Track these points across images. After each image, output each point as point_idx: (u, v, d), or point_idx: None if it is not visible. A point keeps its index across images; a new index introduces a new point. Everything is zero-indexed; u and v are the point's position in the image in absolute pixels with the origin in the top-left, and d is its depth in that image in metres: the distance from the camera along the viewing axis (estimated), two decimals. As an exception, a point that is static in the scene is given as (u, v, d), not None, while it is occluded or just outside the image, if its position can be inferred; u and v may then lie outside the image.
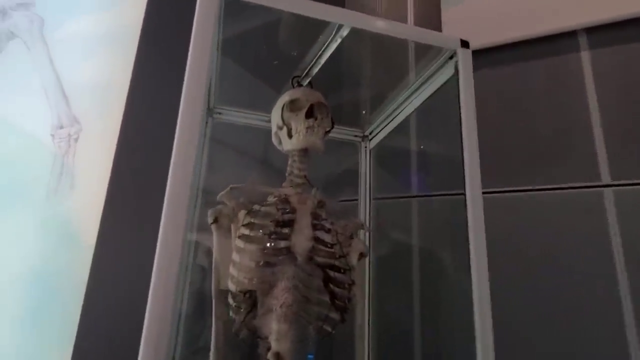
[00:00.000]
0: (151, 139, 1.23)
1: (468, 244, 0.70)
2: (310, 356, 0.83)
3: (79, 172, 1.20)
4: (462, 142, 0.77)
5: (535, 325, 1.02)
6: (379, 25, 0.75)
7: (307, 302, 0.79)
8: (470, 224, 0.71)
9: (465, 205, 0.73)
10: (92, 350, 1.08)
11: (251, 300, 0.69)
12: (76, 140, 1.22)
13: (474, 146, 0.76)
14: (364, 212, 1.15)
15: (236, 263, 0.71)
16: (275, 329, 0.76)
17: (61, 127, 1.22)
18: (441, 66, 0.85)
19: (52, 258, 1.14)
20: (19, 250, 1.12)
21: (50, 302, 1.11)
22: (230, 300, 0.71)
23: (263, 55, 1.06)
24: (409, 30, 0.87)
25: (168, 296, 0.55)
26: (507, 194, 1.14)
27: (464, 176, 0.75)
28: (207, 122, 1.09)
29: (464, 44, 0.79)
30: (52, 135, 1.21)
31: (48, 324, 1.10)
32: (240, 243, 0.72)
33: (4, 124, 1.21)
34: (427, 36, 0.80)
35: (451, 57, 0.82)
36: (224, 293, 0.70)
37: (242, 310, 0.69)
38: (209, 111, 1.09)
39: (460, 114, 0.76)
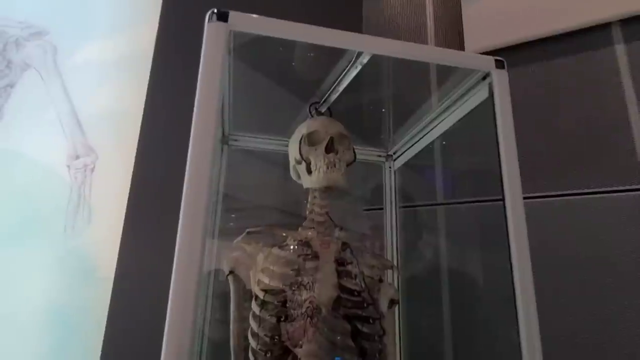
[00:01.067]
0: (167, 167, 1.20)
1: (509, 255, 0.63)
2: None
3: (96, 204, 1.18)
4: (499, 156, 0.70)
5: (581, 331, 0.94)
6: (403, 50, 0.69)
7: (334, 348, 0.74)
8: (512, 235, 0.64)
9: (506, 216, 0.66)
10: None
11: (273, 358, 0.63)
12: (92, 170, 1.20)
13: (514, 165, 0.70)
14: (390, 221, 1.10)
15: (255, 315, 0.65)
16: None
17: (77, 158, 1.20)
18: (473, 87, 0.77)
19: (70, 293, 1.12)
20: (38, 285, 1.11)
21: (71, 337, 1.09)
22: (251, 357, 0.65)
23: (279, 80, 1.01)
24: (436, 53, 0.79)
25: (183, 337, 0.51)
26: (538, 200, 1.06)
27: (502, 188, 0.68)
28: (222, 150, 1.04)
29: (499, 64, 0.71)
30: (68, 167, 1.20)
31: (70, 357, 1.08)
32: (259, 293, 0.67)
33: (19, 156, 1.20)
34: (457, 58, 0.73)
35: (484, 78, 0.74)
36: (243, 348, 0.65)
37: (264, 367, 0.64)
38: (224, 139, 1.04)
39: (497, 136, 0.68)
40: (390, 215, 1.12)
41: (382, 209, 1.15)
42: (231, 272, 0.66)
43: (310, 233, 0.71)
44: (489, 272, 1.03)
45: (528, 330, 0.63)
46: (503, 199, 0.70)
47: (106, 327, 1.08)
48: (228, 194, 1.06)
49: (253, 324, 0.66)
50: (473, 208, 1.17)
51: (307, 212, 0.75)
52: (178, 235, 0.57)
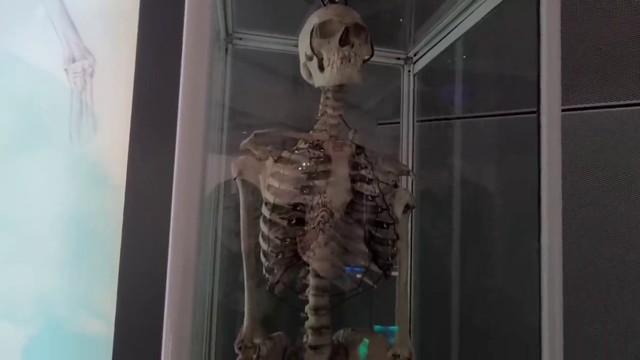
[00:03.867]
0: (170, 68, 1.12)
1: (539, 172, 0.59)
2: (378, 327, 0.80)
3: (99, 110, 1.13)
4: (539, 58, 0.63)
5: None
6: None
7: (346, 254, 0.73)
8: (544, 148, 0.60)
9: (539, 127, 0.61)
10: (136, 286, 1.10)
11: (285, 260, 0.63)
12: (91, 75, 1.13)
13: (556, 64, 0.62)
14: (407, 136, 1.04)
15: (266, 219, 0.64)
16: (312, 284, 0.71)
17: (74, 61, 1.13)
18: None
19: (85, 200, 1.13)
20: (51, 194, 1.11)
21: (90, 243, 1.12)
22: (263, 259, 0.65)
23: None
24: None
25: (190, 239, 0.51)
26: (578, 112, 0.98)
27: (538, 95, 0.62)
28: (226, 50, 0.96)
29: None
30: (66, 70, 1.13)
31: (91, 264, 1.12)
32: (269, 197, 0.65)
33: (13, 59, 1.13)
34: None
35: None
36: (254, 251, 0.64)
37: (275, 271, 0.64)
38: (228, 37, 0.95)
39: (539, 37, 0.59)
40: (407, 128, 1.06)
41: (398, 122, 1.08)
42: (239, 174, 0.63)
43: (322, 136, 0.67)
44: (512, 190, 0.99)
45: (550, 242, 0.60)
46: (538, 111, 0.63)
47: (122, 232, 1.10)
48: (234, 106, 1.00)
49: (264, 227, 0.64)
50: (496, 122, 1.09)
51: (319, 115, 0.70)
52: (177, 144, 0.53)
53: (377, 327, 0.85)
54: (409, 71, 1.06)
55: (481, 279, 1.16)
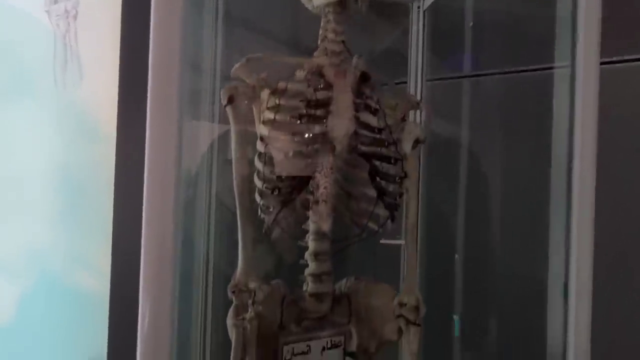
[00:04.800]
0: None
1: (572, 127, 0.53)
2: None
3: (85, 56, 1.06)
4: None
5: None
6: None
7: (349, 197, 0.67)
8: (579, 106, 0.53)
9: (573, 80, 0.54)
10: (131, 240, 1.06)
11: (281, 197, 0.57)
12: (75, 17, 1.05)
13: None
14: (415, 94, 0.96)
15: (261, 155, 0.58)
16: (312, 229, 0.66)
17: (56, 2, 1.05)
18: None
19: (75, 152, 1.07)
20: (38, 146, 1.06)
21: (81, 196, 1.07)
22: (258, 199, 0.59)
23: None
24: None
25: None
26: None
27: (573, 44, 0.55)
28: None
29: None
30: (47, 12, 1.05)
31: (83, 218, 1.08)
32: (264, 130, 0.58)
33: (-9, -1, 1.05)
34: None
35: None
36: (247, 187, 0.58)
37: (271, 209, 0.58)
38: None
39: None
40: (416, 86, 0.96)
41: (405, 82, 0.99)
42: (230, 102, 0.57)
43: (321, 61, 0.59)
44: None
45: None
46: (573, 63, 0.56)
47: (115, 185, 1.05)
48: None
49: (258, 164, 0.58)
50: (519, 78, 1.01)
51: (319, 41, 0.62)
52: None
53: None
54: (419, 7, 0.96)
55: (489, 239, 1.12)
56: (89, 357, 1.08)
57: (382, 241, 1.13)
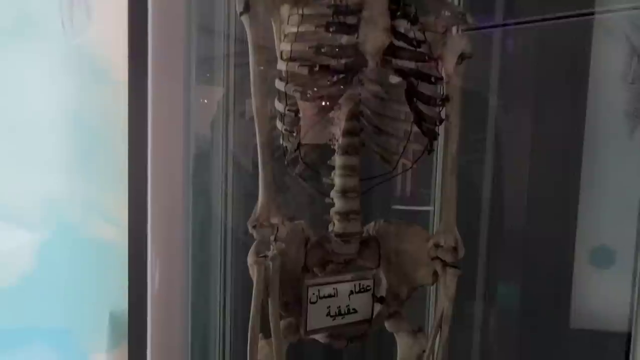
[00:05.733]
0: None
1: None
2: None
3: (93, -1, 0.99)
4: None
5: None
6: None
7: (379, 130, 0.61)
8: None
9: None
10: (147, 190, 1.02)
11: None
12: (80, -49, 0.98)
13: None
14: None
15: (282, 72, 0.51)
16: (338, 163, 0.60)
17: None
18: None
19: (86, 98, 1.03)
20: (48, 92, 1.01)
21: (95, 143, 1.03)
22: (279, 124, 0.53)
23: None
24: None
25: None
26: None
27: None
28: None
29: None
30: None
31: (98, 166, 1.05)
32: (285, 46, 0.51)
33: None
34: None
35: None
36: (268, 115, 0.52)
37: (294, 135, 0.52)
38: None
39: None
40: None
41: None
42: (246, 9, 0.49)
43: (352, -37, 0.51)
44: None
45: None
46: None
47: (129, 132, 1.00)
48: None
49: (279, 84, 0.51)
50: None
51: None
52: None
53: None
54: None
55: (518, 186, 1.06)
56: (110, 309, 1.07)
57: (410, 208, 1.08)
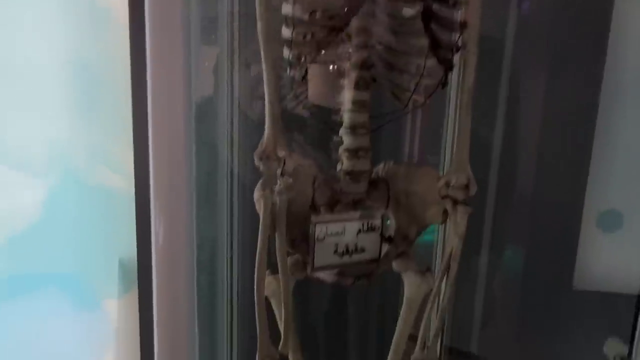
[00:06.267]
0: None
1: None
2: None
3: None
4: None
5: None
6: None
7: (392, 61, 0.58)
8: None
9: None
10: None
11: (315, 44, 0.48)
12: None
13: None
14: None
15: (289, -4, 0.47)
16: (348, 98, 0.57)
17: None
18: None
19: (86, 42, 0.99)
20: (47, 36, 0.97)
21: (98, 90, 1.01)
22: (286, 52, 0.50)
23: None
24: None
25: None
26: None
27: None
28: None
29: None
30: None
31: (102, 113, 1.03)
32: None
33: None
34: None
35: None
36: (274, 37, 0.49)
37: (303, 59, 0.49)
38: None
39: None
40: None
41: None
42: None
43: None
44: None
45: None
46: None
47: (132, 78, 0.97)
48: None
49: (286, 6, 0.48)
50: None
51: None
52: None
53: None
54: None
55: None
56: (119, 257, 1.08)
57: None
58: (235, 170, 0.97)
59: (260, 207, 0.52)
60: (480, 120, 1.07)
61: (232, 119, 0.98)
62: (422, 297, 0.61)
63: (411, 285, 0.61)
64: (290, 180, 0.52)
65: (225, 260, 0.85)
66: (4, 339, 1.04)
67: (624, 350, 0.64)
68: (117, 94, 0.98)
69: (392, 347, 0.64)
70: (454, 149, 0.57)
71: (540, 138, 1.14)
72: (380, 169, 0.64)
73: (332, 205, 0.60)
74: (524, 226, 1.37)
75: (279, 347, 0.55)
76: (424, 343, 0.57)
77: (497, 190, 1.28)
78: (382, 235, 0.61)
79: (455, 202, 0.56)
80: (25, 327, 1.06)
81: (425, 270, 0.62)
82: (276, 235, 0.53)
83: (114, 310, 1.09)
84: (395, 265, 0.63)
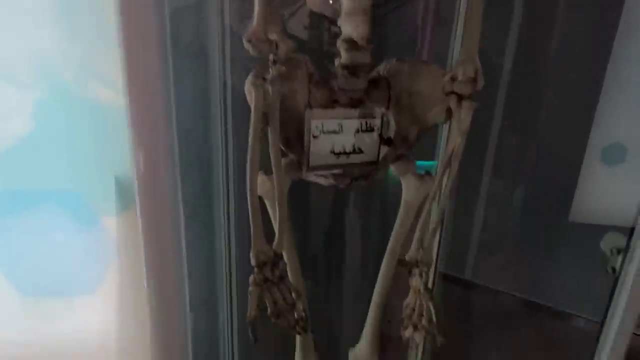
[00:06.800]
0: None
1: None
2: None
3: None
4: None
5: None
6: None
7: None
8: None
9: None
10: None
11: None
12: None
13: None
14: None
15: None
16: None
17: None
18: None
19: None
20: None
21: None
22: None
23: None
24: None
25: None
26: None
27: None
28: None
29: None
30: None
31: (87, 24, 0.96)
32: None
33: None
34: None
35: None
36: None
37: None
38: None
39: None
40: None
41: None
42: None
43: None
44: None
45: None
46: None
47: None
48: None
49: None
50: None
51: None
52: None
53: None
54: None
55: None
56: (115, 174, 1.07)
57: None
58: (229, 81, 0.91)
59: (251, 98, 0.49)
60: (491, 46, 1.02)
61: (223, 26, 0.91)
62: (420, 200, 0.59)
63: (409, 188, 0.60)
64: (284, 68, 0.48)
65: (221, 180, 0.81)
66: (5, 255, 1.06)
67: (622, 242, 0.64)
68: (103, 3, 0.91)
69: (387, 252, 0.64)
70: (463, 39, 0.53)
71: (552, 66, 1.10)
72: (382, 67, 0.59)
73: (330, 105, 0.57)
74: (526, 157, 1.35)
75: (273, 245, 0.54)
76: (420, 243, 0.56)
77: (503, 118, 1.24)
78: (381, 135, 0.58)
79: (460, 98, 0.53)
80: (26, 242, 1.07)
81: (425, 173, 0.60)
82: (269, 130, 0.51)
83: (113, 228, 1.09)
84: (394, 168, 0.60)
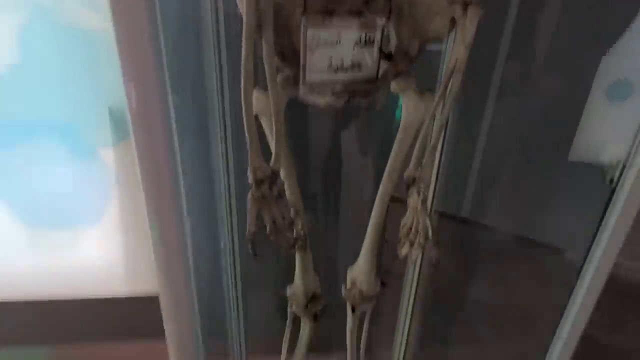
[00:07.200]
0: None
1: None
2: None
3: None
4: None
5: None
6: None
7: None
8: None
9: None
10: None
11: None
12: None
13: None
14: None
15: None
16: None
17: None
18: None
19: None
20: None
21: None
22: None
23: None
24: None
25: None
26: None
27: None
28: None
29: None
30: None
31: None
32: None
33: None
34: None
35: None
36: None
37: None
38: None
39: None
40: None
41: None
42: None
43: None
44: None
45: None
46: None
47: None
48: None
49: None
50: None
51: None
52: None
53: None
54: None
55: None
56: (109, 105, 1.04)
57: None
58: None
59: (242, 4, 0.46)
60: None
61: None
62: (420, 119, 0.58)
63: (409, 105, 0.58)
64: (276, -30, 0.45)
65: (217, 115, 0.78)
66: (7, 187, 1.07)
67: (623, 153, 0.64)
68: None
69: (385, 172, 0.63)
70: None
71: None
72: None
73: (327, 14, 0.53)
74: (528, 94, 1.32)
75: (271, 163, 0.54)
76: (419, 160, 0.55)
77: (510, 49, 1.20)
78: (380, 50, 0.55)
79: (465, 5, 0.49)
80: (26, 175, 1.08)
81: (426, 90, 0.58)
82: (262, 41, 0.48)
83: (111, 158, 1.09)
84: (394, 84, 0.58)
